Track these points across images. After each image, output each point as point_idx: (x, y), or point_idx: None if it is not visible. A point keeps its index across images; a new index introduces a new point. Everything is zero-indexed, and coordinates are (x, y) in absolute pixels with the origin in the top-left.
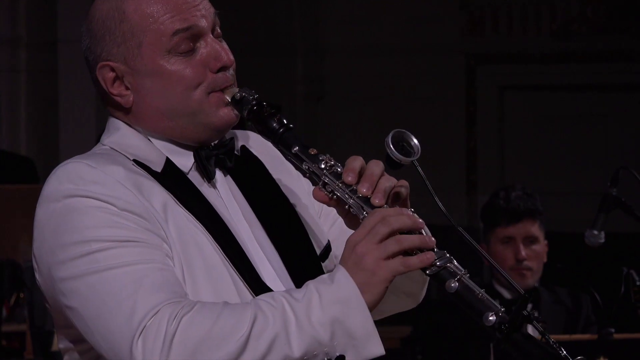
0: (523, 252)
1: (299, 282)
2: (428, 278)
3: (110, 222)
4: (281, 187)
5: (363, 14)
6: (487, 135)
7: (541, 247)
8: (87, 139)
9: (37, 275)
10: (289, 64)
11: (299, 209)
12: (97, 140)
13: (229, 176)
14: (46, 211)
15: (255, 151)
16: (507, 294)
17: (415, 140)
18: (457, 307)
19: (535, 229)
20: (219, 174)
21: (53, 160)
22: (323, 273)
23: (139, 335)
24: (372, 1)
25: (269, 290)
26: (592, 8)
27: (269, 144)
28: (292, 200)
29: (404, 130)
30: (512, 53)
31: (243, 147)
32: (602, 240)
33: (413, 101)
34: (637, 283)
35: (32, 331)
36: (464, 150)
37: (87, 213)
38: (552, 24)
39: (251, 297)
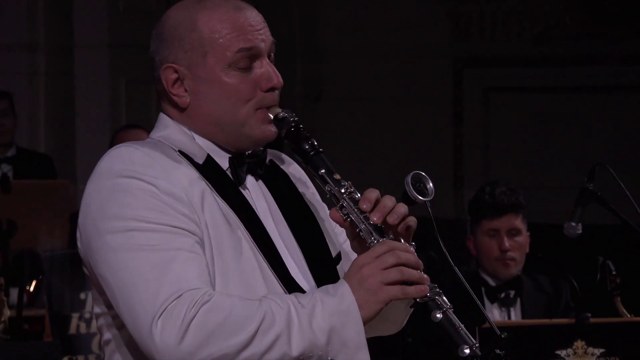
0: (507, 244)
1: (317, 276)
2: (411, 310)
3: (151, 204)
4: (304, 199)
5: (358, 20)
6: (473, 133)
7: (524, 238)
8: (101, 137)
9: (78, 244)
10: (288, 66)
11: (318, 218)
12: (112, 137)
13: (260, 181)
14: (96, 186)
15: (283, 168)
16: (491, 282)
17: (431, 185)
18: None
19: (519, 222)
20: (250, 178)
21: (70, 157)
22: (337, 272)
23: (160, 316)
24: (366, 8)
25: (292, 278)
26: (569, 16)
27: (296, 166)
28: (312, 210)
29: (422, 173)
30: (496, 57)
31: (272, 161)
32: (580, 232)
33: (404, 101)
34: (613, 272)
35: (50, 315)
36: (451, 147)
37: (131, 193)
38: (532, 31)
39: (276, 282)
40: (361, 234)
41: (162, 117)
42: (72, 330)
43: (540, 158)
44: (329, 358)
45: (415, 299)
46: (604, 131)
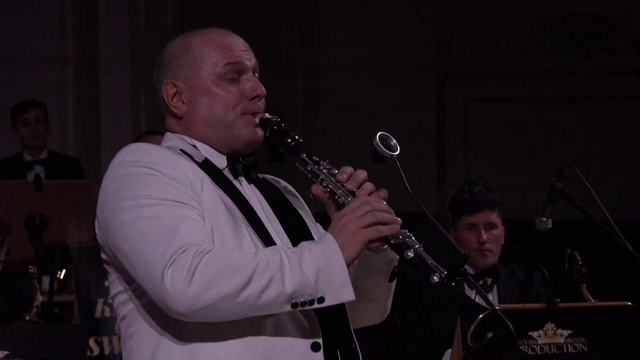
0: (484, 236)
1: None
2: (393, 287)
3: (157, 185)
4: (292, 204)
5: (353, 37)
6: (454, 138)
7: (499, 232)
8: (123, 141)
9: (97, 231)
10: (290, 79)
11: (306, 221)
12: (145, 133)
13: (252, 185)
14: (112, 176)
15: (275, 184)
16: (470, 270)
17: (395, 141)
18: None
19: (494, 217)
20: (244, 182)
21: (95, 160)
22: None
23: (170, 266)
24: (360, 27)
25: None
26: (540, 34)
27: (289, 186)
28: (300, 213)
29: (387, 134)
30: (474, 71)
31: (265, 179)
32: (550, 226)
33: (393, 110)
34: (579, 262)
35: (78, 301)
36: (435, 151)
37: (141, 178)
38: (508, 47)
39: None
40: (340, 199)
41: (166, 134)
42: (98, 314)
43: (514, 160)
44: (319, 295)
45: (390, 242)
46: (571, 136)
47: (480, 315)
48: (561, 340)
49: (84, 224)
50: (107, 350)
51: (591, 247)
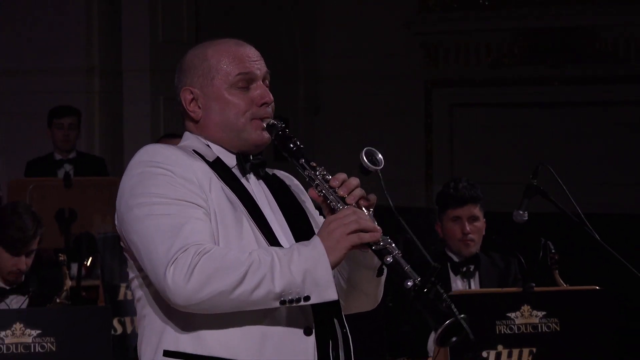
0: (468, 228)
1: None
2: (382, 281)
3: (169, 185)
4: (298, 200)
5: (350, 48)
6: (441, 140)
7: (481, 224)
8: (143, 143)
9: (116, 222)
10: (292, 86)
11: (309, 217)
12: (163, 136)
13: (261, 181)
14: (129, 174)
15: (284, 180)
16: (455, 258)
17: (381, 156)
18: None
19: (477, 211)
20: (253, 177)
21: (119, 159)
22: None
23: (172, 263)
24: (357, 39)
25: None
26: (518, 45)
27: (297, 182)
28: (304, 209)
29: (373, 149)
30: (459, 79)
31: (275, 174)
32: (526, 218)
33: (385, 115)
34: (552, 250)
35: (103, 285)
36: (423, 151)
37: (155, 178)
38: (488, 58)
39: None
40: (332, 203)
41: (185, 134)
42: (121, 297)
43: (494, 159)
44: (305, 294)
45: (371, 247)
46: (545, 138)
47: (447, 322)
48: (536, 320)
49: (108, 217)
50: (129, 330)
51: (563, 238)
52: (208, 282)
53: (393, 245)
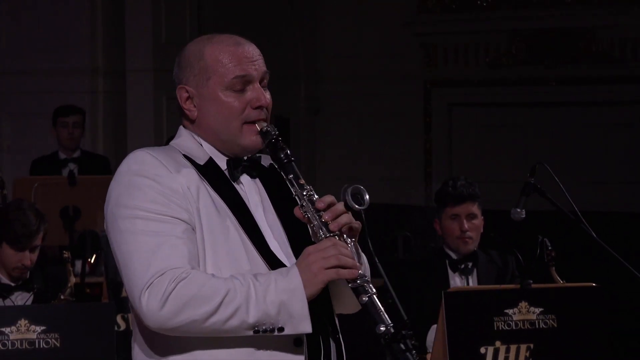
0: (466, 226)
1: (297, 253)
2: (360, 306)
3: (153, 197)
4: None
5: (350, 50)
6: (439, 139)
7: (479, 221)
8: (147, 142)
9: (105, 226)
10: (293, 87)
11: None
12: (167, 142)
13: (257, 179)
14: (117, 181)
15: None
16: (453, 255)
17: (367, 197)
18: (416, 266)
19: (475, 208)
20: (246, 177)
21: (122, 158)
22: None
23: (147, 288)
24: (357, 41)
25: (272, 254)
26: (515, 46)
27: None
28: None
29: (360, 187)
30: (457, 79)
31: (272, 165)
32: (523, 216)
33: (385, 114)
34: (549, 247)
35: (107, 282)
36: (422, 150)
37: (140, 188)
38: (486, 58)
39: (258, 256)
40: (314, 228)
41: (180, 128)
42: (124, 293)
43: (492, 158)
44: (279, 325)
45: (348, 284)
46: (543, 137)
47: None
48: (533, 316)
49: None
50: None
51: (560, 235)
52: (182, 310)
53: (370, 284)
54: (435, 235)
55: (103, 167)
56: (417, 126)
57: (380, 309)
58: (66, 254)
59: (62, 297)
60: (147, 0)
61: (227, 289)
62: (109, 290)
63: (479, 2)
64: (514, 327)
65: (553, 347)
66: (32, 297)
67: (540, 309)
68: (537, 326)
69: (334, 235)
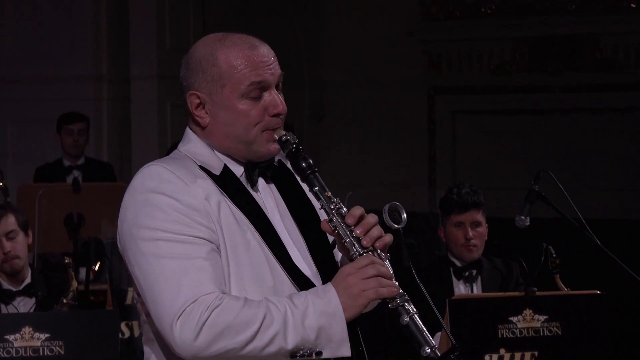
0: (470, 233)
1: (317, 260)
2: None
3: (174, 217)
4: (306, 195)
5: (354, 56)
6: (443, 146)
7: (484, 229)
8: (151, 148)
9: (118, 243)
10: (298, 93)
11: (317, 211)
12: (172, 147)
13: (271, 182)
14: (131, 198)
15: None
16: (458, 263)
17: (405, 215)
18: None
19: (479, 216)
20: (261, 180)
21: (127, 165)
22: (333, 256)
23: (179, 317)
24: (361, 48)
25: (296, 267)
26: (519, 53)
27: None
28: (313, 204)
29: (398, 205)
30: (461, 86)
31: (280, 161)
32: (528, 224)
33: (389, 121)
34: (553, 255)
35: (111, 289)
36: (426, 157)
37: (159, 207)
38: (490, 65)
39: (281, 271)
40: (346, 244)
41: (188, 132)
42: (128, 301)
43: (496, 165)
44: (317, 350)
45: (388, 305)
46: (547, 144)
47: None
48: (538, 324)
49: (116, 222)
50: (136, 334)
51: (564, 242)
52: (217, 339)
53: (411, 304)
54: (440, 243)
55: (107, 174)
56: (421, 133)
57: (423, 329)
58: (67, 260)
59: (64, 300)
60: (152, 7)
61: (264, 315)
62: (113, 297)
63: (482, 10)
64: (518, 335)
65: (557, 354)
66: (35, 304)
67: (545, 317)
68: (541, 334)
69: (368, 252)
